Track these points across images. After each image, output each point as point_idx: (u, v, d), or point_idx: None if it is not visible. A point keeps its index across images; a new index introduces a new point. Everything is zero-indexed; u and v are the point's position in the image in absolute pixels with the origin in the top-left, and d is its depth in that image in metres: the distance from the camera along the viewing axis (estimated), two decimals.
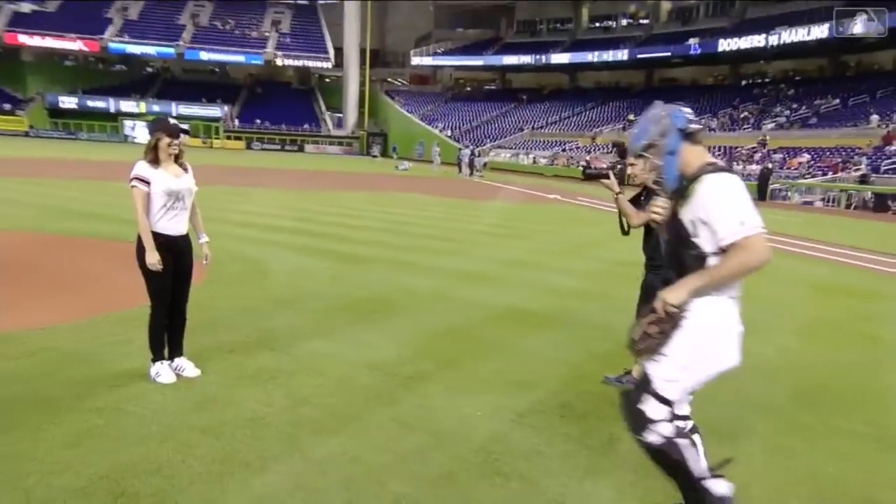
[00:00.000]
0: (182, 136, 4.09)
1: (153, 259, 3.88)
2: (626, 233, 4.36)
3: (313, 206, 15.31)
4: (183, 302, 4.20)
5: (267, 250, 8.72)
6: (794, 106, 38.06)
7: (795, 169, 29.97)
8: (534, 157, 42.70)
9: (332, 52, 56.03)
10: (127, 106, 51.24)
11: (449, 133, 50.72)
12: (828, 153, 30.42)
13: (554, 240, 12.07)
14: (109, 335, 4.82)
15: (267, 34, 57.33)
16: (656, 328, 2.58)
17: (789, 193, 27.63)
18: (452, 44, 58.55)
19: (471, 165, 34.43)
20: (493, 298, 6.92)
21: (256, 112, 55.04)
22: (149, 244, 3.89)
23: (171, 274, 4.00)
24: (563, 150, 42.74)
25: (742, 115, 39.61)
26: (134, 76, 57.28)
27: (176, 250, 4.04)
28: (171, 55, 54.93)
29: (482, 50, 56.50)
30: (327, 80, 61.38)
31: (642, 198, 4.33)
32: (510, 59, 54.43)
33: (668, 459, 2.60)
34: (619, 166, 4.32)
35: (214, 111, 53.54)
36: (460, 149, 38.54)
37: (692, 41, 43.30)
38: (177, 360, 4.19)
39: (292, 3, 61.27)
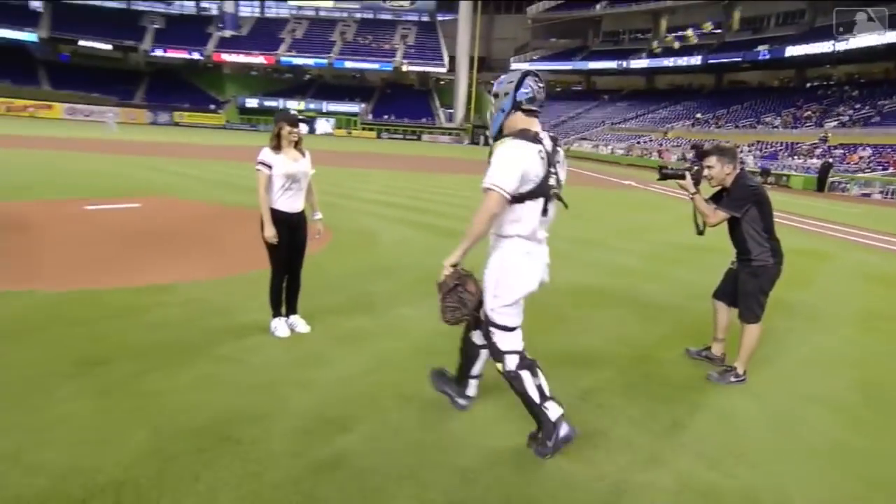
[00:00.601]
0: (301, 125, 3.82)
1: (270, 233, 3.68)
2: (700, 232, 3.69)
3: (423, 185, 15.02)
4: (297, 268, 3.99)
5: (381, 223, 8.52)
6: (857, 106, 33.15)
7: (855, 164, 26.24)
8: (612, 149, 40.24)
9: (447, 59, 55.31)
10: (291, 104, 53.23)
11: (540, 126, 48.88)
12: (888, 150, 26.33)
13: (623, 222, 11.03)
14: (245, 290, 4.74)
15: (397, 46, 57.38)
16: (440, 294, 2.54)
17: (848, 186, 24.27)
18: (546, 51, 56.03)
19: None
20: (564, 275, 6.28)
21: (386, 109, 55.54)
22: (267, 220, 3.70)
23: (286, 245, 3.79)
24: (638, 143, 39.98)
25: (805, 115, 35.09)
26: (297, 81, 59.37)
27: (292, 225, 3.81)
28: (324, 65, 56.34)
29: (571, 56, 53.69)
30: (442, 82, 60.75)
31: (724, 195, 3.64)
32: (595, 65, 51.35)
33: (515, 388, 2.60)
34: (695, 167, 3.64)
35: (354, 108, 54.51)
36: None
37: (761, 48, 38.65)
38: (291, 318, 4.01)
39: (417, 21, 60.81)
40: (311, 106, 52.92)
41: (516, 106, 2.46)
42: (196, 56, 53.41)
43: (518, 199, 2.39)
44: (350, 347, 3.74)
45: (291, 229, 3.81)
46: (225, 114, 52.45)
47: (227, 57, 54.23)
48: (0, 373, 3.08)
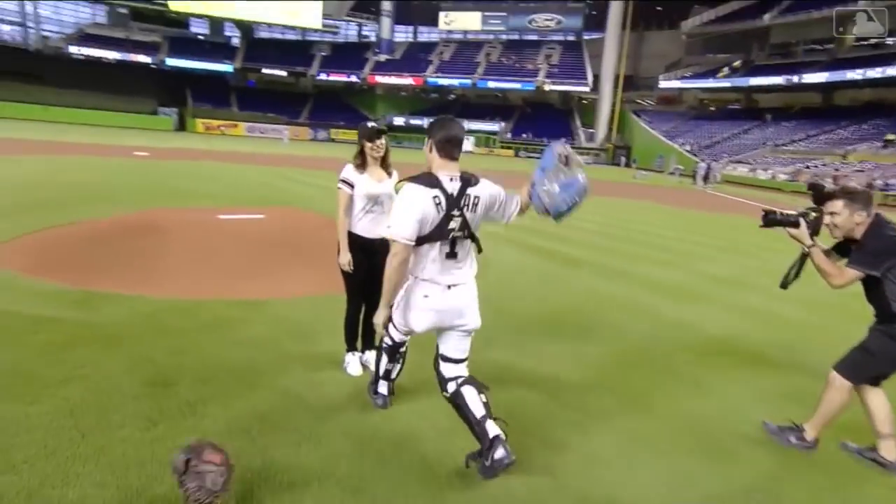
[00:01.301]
0: (383, 137, 3.40)
1: (344, 259, 3.30)
2: (784, 286, 2.96)
3: None
4: (375, 299, 3.53)
5: (495, 245, 7.87)
6: None
7: None
8: (772, 173, 35.27)
9: (590, 78, 53.28)
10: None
11: (688, 148, 44.70)
12: None
13: (781, 260, 9.10)
14: (333, 312, 4.39)
15: (540, 66, 56.80)
16: (176, 480, 2.00)
17: None
18: (699, 68, 51.38)
19: (705, 178, 29.66)
20: (699, 321, 5.17)
21: (525, 127, 55.04)
22: (343, 244, 3.32)
23: (364, 273, 3.37)
24: (807, 167, 34.50)
25: None
26: (441, 101, 61.55)
27: (371, 251, 3.38)
28: (468, 85, 57.64)
29: (730, 73, 48.49)
30: (584, 101, 58.63)
31: (851, 247, 2.75)
32: (757, 81, 45.75)
33: (380, 358, 3.00)
34: (812, 214, 2.77)
35: (494, 126, 54.89)
36: (697, 162, 33.58)
37: None
38: (367, 353, 3.59)
39: (562, 41, 59.67)
40: None
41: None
42: (353, 79, 58.03)
43: (416, 241, 2.39)
44: (424, 398, 3.19)
45: (370, 255, 3.38)
46: None
47: (380, 79, 58.06)
48: (76, 385, 3.03)
